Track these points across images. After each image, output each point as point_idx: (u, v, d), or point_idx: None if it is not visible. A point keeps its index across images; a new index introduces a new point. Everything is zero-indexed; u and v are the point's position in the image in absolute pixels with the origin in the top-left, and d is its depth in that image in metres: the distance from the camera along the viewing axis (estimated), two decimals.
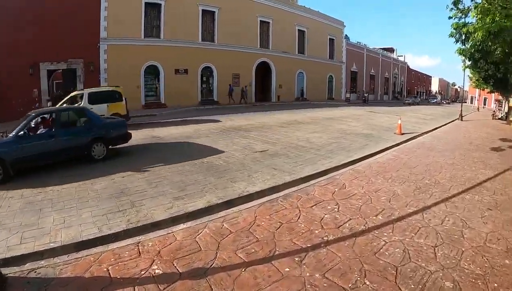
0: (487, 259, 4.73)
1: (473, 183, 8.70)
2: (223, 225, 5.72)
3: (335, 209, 6.53)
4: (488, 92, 60.55)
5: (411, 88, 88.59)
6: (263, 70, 39.99)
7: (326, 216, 6.20)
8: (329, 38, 50.41)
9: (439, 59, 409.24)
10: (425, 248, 5.04)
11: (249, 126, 17.56)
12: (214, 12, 33.49)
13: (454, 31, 14.47)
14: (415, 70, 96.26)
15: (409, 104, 54.26)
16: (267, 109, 30.05)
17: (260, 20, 38.50)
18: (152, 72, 29.80)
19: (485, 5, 10.84)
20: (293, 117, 22.65)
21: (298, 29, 44.08)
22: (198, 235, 5.31)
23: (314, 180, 8.60)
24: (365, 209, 6.54)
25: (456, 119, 29.43)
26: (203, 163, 9.78)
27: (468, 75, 44.82)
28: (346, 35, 55.48)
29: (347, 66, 54.88)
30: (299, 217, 6.13)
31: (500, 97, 54.84)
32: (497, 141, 17.46)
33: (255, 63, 38.39)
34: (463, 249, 5.01)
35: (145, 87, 29.55)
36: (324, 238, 5.33)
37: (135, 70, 28.14)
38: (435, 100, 75.08)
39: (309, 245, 5.07)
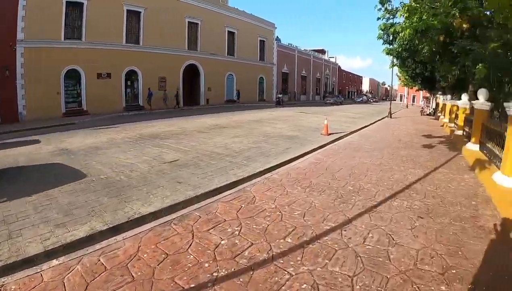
0: (418, 288, 3.87)
1: (402, 186, 8.03)
2: (99, 260, 4.52)
3: (236, 232, 5.37)
4: (416, 90, 64.16)
5: (343, 88, 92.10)
6: (191, 73, 39.08)
7: (223, 242, 5.03)
8: (260, 40, 51.26)
9: (370, 60, 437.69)
10: (340, 279, 4.05)
11: (168, 133, 16.14)
12: (140, 12, 32.14)
13: (382, 32, 14.96)
14: (347, 71, 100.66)
15: (332, 104, 54.50)
16: (195, 113, 29.02)
17: (188, 21, 37.67)
18: (73, 76, 27.82)
19: (413, 4, 11.19)
20: (217, 121, 21.56)
21: (228, 31, 44.07)
22: (68, 274, 4.25)
23: (222, 193, 7.42)
24: (272, 230, 5.43)
25: (385, 117, 30.38)
26: (102, 179, 8.25)
27: (397, 74, 46.69)
28: (277, 36, 56.54)
29: (278, 68, 55.81)
30: (190, 245, 4.94)
31: (428, 95, 58.21)
32: (426, 137, 17.69)
33: (183, 65, 37.56)
34: (388, 276, 4.11)
35: (66, 93, 27.54)
36: (214, 273, 4.20)
37: (55, 74, 26.20)
38: (361, 99, 77.60)
39: (192, 285, 3.96)
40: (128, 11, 31.09)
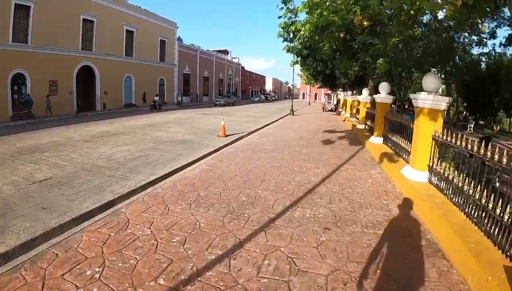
0: None
1: (304, 190, 7.15)
2: None
3: (97, 275, 3.99)
4: (318, 88, 66.70)
5: (246, 89, 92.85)
6: (86, 75, 35.64)
7: None
8: (161, 40, 48.71)
9: (274, 61, 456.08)
10: None
11: (50, 144, 13.72)
12: (29, 7, 28.11)
13: (282, 30, 15.23)
14: (250, 71, 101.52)
15: (223, 105, 50.54)
16: (89, 119, 26.08)
17: (83, 18, 34.00)
18: None
19: (314, 0, 11.18)
20: (109, 128, 19.32)
21: (127, 30, 40.90)
22: None
23: (92, 218, 5.86)
24: (142, 268, 4.14)
25: (287, 114, 30.69)
26: None
27: (298, 74, 48.03)
28: (179, 36, 54.52)
29: (179, 69, 53.82)
30: None
31: (329, 92, 60.82)
32: (328, 133, 17.59)
33: (77, 67, 33.93)
34: None
35: None
36: None
37: None
38: (258, 98, 77.93)
39: None
40: (16, 5, 27.22)
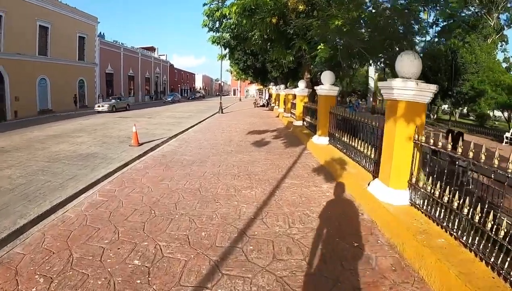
0: None
1: (232, 235, 4.75)
2: None
3: None
4: (249, 83, 65.19)
5: (175, 87, 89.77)
6: None
7: None
8: (80, 36, 43.73)
9: (204, 58, 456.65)
10: None
11: None
12: None
13: (207, 18, 14.75)
14: (179, 69, 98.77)
15: (107, 111, 34.58)
16: None
17: None
18: None
19: None
20: (4, 143, 15.45)
21: (40, 25, 35.97)
22: None
23: None
24: None
25: (216, 113, 28.66)
26: None
27: (227, 69, 46.84)
28: (100, 32, 49.93)
29: (101, 68, 49.25)
30: None
31: (261, 86, 59.62)
32: (261, 133, 15.67)
33: None
34: None
35: None
36: None
37: None
38: (171, 98, 66.26)
39: None
40: None
